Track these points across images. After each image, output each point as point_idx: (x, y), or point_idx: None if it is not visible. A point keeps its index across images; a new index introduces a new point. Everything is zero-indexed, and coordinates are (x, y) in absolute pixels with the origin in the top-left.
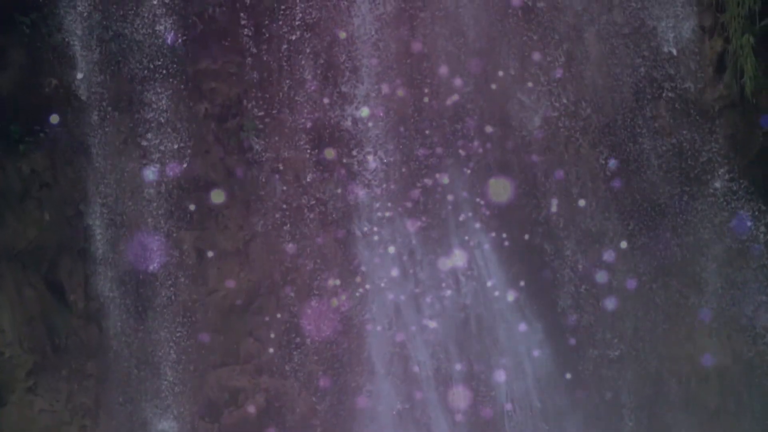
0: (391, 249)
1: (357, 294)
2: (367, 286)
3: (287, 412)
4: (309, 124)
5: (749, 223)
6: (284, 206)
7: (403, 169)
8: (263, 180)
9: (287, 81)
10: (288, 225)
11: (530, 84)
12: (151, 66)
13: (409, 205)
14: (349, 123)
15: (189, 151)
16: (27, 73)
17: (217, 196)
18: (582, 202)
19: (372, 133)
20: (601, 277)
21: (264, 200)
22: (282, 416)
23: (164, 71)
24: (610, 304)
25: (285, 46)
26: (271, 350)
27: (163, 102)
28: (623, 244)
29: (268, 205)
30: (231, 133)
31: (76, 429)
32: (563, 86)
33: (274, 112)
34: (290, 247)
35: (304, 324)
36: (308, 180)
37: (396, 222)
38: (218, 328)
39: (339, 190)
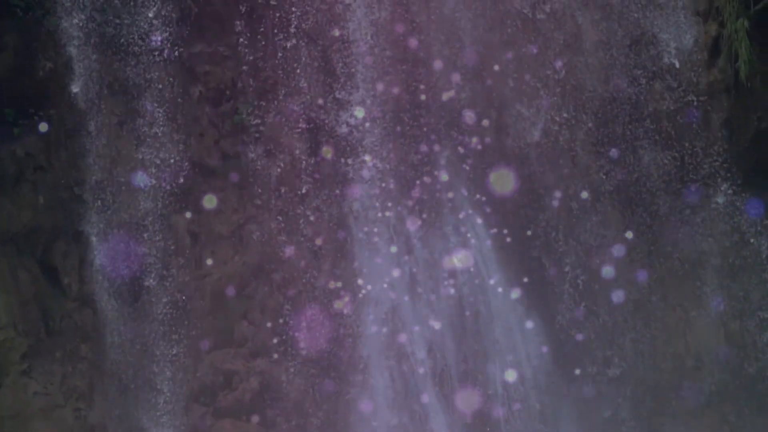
0: (393, 248)
1: (359, 295)
2: (369, 287)
3: (281, 395)
4: (304, 125)
5: (761, 208)
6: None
7: (402, 168)
8: (258, 163)
9: (282, 64)
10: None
11: (529, 79)
12: (146, 48)
13: (409, 203)
14: (344, 129)
15: (183, 134)
16: (21, 56)
17: (210, 201)
18: (581, 201)
19: (368, 137)
20: (601, 287)
21: (259, 183)
22: (276, 399)
23: (159, 54)
24: (609, 316)
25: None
26: (276, 344)
27: (158, 85)
28: (623, 253)
29: (264, 188)
30: (226, 116)
31: (70, 411)
32: (563, 97)
33: (269, 96)
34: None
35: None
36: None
37: (395, 221)
38: (212, 311)
39: (337, 191)
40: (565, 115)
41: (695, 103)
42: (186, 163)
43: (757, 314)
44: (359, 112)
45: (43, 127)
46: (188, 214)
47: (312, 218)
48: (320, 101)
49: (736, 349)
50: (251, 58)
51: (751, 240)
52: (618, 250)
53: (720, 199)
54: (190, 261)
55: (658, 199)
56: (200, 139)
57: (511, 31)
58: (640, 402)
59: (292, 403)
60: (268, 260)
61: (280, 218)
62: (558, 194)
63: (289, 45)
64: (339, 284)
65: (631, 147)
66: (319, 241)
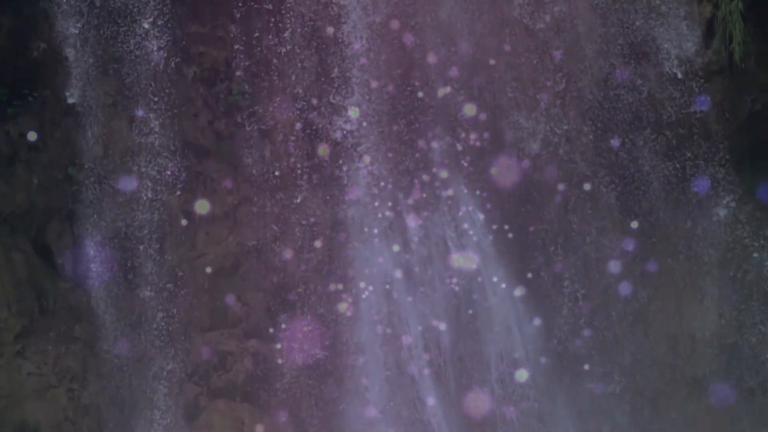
0: (396, 247)
1: (362, 297)
2: (371, 288)
3: (275, 376)
4: (300, 129)
5: None
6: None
7: (400, 167)
8: (254, 168)
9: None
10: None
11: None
12: (140, 28)
13: (409, 202)
14: (341, 131)
15: (177, 114)
16: (15, 36)
17: (202, 207)
18: (581, 213)
19: (365, 137)
20: (600, 298)
21: (253, 165)
22: (270, 380)
23: (153, 33)
24: (609, 329)
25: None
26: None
27: (152, 64)
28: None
29: (259, 195)
30: (220, 96)
31: (63, 392)
32: (563, 107)
33: (263, 75)
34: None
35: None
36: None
37: (395, 220)
38: (206, 292)
39: (336, 192)
40: (565, 127)
41: (698, 114)
42: (180, 143)
43: (758, 327)
44: (354, 113)
45: (32, 135)
46: (183, 217)
47: (311, 221)
48: (315, 101)
49: (736, 362)
50: (246, 63)
51: (755, 254)
52: (617, 261)
53: (722, 212)
54: (184, 242)
55: (659, 210)
56: (194, 120)
57: (510, 39)
58: (638, 412)
59: (286, 381)
60: (263, 241)
61: (275, 227)
62: (556, 207)
63: (283, 51)
64: (340, 286)
65: (631, 157)
66: (318, 244)
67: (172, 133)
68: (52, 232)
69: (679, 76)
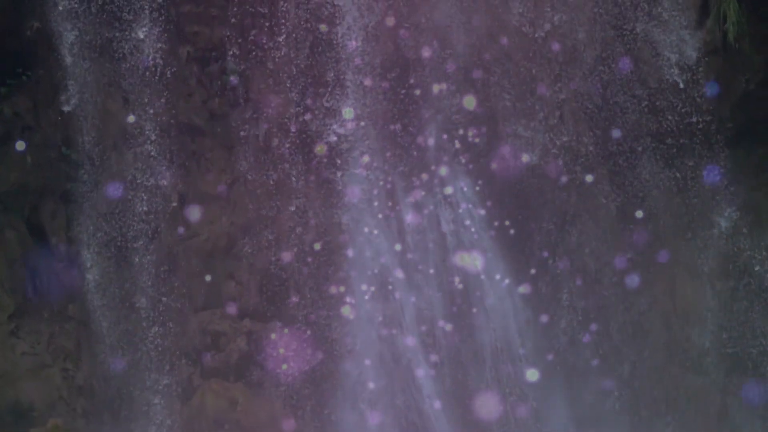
0: (398, 246)
1: (364, 298)
2: (372, 289)
3: (269, 356)
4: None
5: None
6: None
7: (399, 167)
8: (246, 123)
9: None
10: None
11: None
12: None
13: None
14: (336, 136)
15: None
16: (8, 16)
17: (193, 213)
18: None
19: (363, 137)
20: (600, 308)
21: (247, 143)
22: (264, 360)
23: (147, 13)
24: (608, 342)
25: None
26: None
27: (146, 45)
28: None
29: (254, 201)
30: (214, 76)
31: (57, 371)
32: (562, 117)
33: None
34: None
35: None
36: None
37: (395, 219)
38: (199, 272)
39: (334, 194)
40: (565, 138)
41: (700, 124)
42: (174, 123)
43: (759, 340)
44: (348, 113)
45: (21, 145)
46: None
47: (311, 223)
48: (309, 102)
49: (736, 373)
50: (242, 67)
51: (756, 267)
52: (617, 270)
53: (723, 222)
54: (177, 221)
55: (659, 220)
56: (188, 100)
57: (508, 47)
58: (637, 421)
59: (283, 390)
60: (257, 220)
61: (269, 235)
62: (555, 218)
63: (278, 56)
64: (342, 288)
65: (631, 166)
66: (318, 246)
67: (167, 112)
68: (46, 212)
69: (681, 85)
